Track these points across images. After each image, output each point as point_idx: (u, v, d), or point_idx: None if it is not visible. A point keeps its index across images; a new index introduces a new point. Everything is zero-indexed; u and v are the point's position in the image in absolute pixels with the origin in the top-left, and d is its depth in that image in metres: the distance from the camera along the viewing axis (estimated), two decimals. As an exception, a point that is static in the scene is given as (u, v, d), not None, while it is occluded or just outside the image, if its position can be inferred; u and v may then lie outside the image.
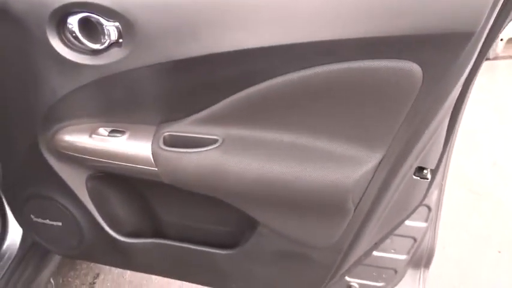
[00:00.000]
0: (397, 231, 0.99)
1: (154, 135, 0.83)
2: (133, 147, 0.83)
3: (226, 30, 0.70)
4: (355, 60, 0.67)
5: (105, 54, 0.77)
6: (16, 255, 1.23)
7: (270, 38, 0.68)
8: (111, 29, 0.74)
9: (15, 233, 1.26)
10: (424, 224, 1.04)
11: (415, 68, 0.66)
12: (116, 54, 0.76)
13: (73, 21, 0.75)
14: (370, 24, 0.64)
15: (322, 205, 0.82)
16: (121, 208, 1.01)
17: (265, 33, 0.68)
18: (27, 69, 0.81)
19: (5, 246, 1.25)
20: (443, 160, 0.89)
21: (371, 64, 0.67)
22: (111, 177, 0.91)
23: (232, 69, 0.74)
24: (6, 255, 1.23)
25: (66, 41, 0.77)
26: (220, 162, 0.80)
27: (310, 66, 0.70)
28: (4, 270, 1.18)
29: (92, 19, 0.74)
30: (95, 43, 0.76)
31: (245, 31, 0.69)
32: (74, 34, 0.76)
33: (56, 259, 1.43)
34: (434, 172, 0.88)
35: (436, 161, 0.87)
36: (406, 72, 0.67)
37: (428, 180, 0.87)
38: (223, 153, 0.80)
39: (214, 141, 0.80)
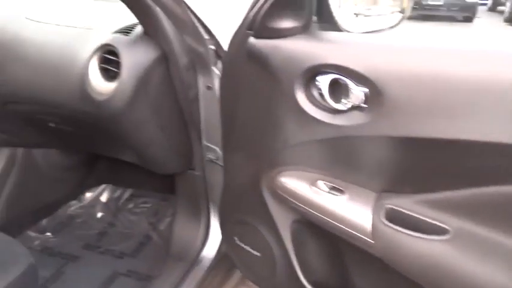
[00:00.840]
0: None
1: (375, 204, 0.80)
2: (352, 211, 0.81)
3: (488, 117, 0.63)
4: None
5: (344, 115, 0.78)
6: (211, 264, 1.36)
7: None
8: (357, 93, 0.75)
9: (213, 244, 1.40)
10: None
11: None
12: (356, 118, 0.76)
13: (322, 80, 0.79)
14: None
15: None
16: (317, 258, 1.01)
17: None
18: (269, 114, 0.89)
19: (203, 253, 1.40)
20: None
21: None
22: (317, 228, 0.92)
23: (484, 160, 0.66)
24: (202, 263, 1.37)
25: (310, 96, 0.82)
26: (446, 257, 0.71)
27: None
28: (200, 276, 1.32)
29: (341, 81, 0.77)
30: (337, 102, 0.78)
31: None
32: (320, 92, 0.80)
33: (238, 276, 1.53)
34: None
35: None
36: None
37: None
38: (453, 247, 0.70)
39: (444, 231, 0.71)
